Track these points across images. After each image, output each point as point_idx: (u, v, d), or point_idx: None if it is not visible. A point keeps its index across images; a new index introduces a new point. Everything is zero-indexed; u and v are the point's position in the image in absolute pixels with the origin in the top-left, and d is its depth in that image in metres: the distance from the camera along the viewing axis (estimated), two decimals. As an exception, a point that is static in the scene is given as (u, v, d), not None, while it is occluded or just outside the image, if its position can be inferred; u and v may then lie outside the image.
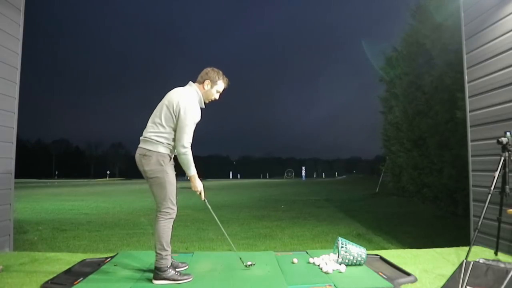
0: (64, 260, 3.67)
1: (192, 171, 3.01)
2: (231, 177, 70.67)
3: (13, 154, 4.24)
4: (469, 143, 4.60)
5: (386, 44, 12.28)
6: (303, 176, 54.42)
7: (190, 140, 2.96)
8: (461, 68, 4.83)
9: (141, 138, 3.03)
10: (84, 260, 3.62)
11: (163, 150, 2.96)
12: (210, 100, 3.20)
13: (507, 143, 3.52)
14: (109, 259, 3.61)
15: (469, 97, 4.59)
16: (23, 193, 17.30)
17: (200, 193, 3.12)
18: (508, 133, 3.56)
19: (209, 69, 3.18)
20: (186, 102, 2.93)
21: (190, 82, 3.15)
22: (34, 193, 18.49)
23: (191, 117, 2.94)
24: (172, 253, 3.31)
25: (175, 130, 2.95)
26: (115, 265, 3.38)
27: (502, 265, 2.83)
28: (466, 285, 2.60)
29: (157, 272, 2.93)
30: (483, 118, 4.31)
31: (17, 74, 4.30)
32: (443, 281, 2.82)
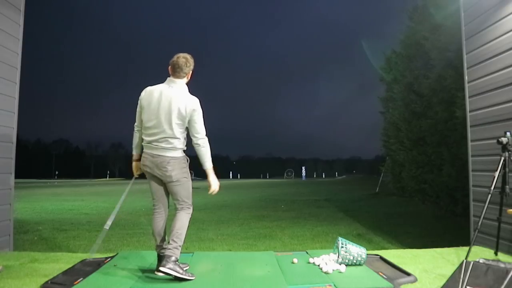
0: (64, 260, 3.67)
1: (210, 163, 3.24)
2: (231, 177, 70.56)
3: (13, 154, 4.24)
4: (469, 143, 4.60)
5: (386, 44, 12.26)
6: (303, 176, 54.28)
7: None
8: (461, 68, 4.83)
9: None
10: (84, 260, 3.63)
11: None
12: None
13: (507, 143, 3.52)
14: (109, 259, 3.62)
15: (469, 97, 4.59)
16: (23, 193, 17.28)
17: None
18: (508, 133, 3.56)
19: (188, 58, 3.18)
20: (193, 102, 3.11)
21: (174, 80, 3.14)
22: (34, 193, 18.48)
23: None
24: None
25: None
26: (115, 265, 3.38)
27: (502, 265, 2.83)
28: (466, 285, 2.60)
29: (167, 260, 2.92)
30: (483, 118, 4.31)
31: (17, 74, 4.31)
32: (443, 281, 2.82)
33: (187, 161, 3.19)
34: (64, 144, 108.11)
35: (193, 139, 3.13)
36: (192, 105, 3.07)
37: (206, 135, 3.17)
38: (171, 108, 3.02)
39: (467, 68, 4.61)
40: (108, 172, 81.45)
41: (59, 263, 3.58)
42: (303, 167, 56.78)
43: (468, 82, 4.60)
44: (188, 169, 3.19)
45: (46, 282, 2.93)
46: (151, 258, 3.31)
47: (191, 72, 3.23)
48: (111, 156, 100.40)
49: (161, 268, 2.91)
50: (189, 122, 3.09)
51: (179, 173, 3.11)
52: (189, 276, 2.98)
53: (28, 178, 47.84)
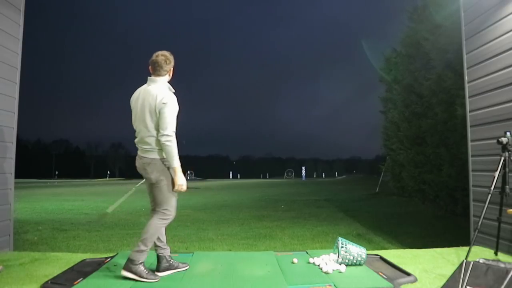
0: (64, 260, 3.67)
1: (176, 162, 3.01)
2: (231, 177, 70.57)
3: (13, 154, 4.24)
4: (469, 143, 4.60)
5: (386, 45, 12.28)
6: (303, 176, 54.24)
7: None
8: (461, 69, 4.83)
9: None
10: (84, 260, 3.63)
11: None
12: None
13: (507, 143, 3.53)
14: (109, 259, 3.62)
15: (469, 97, 4.59)
16: (23, 193, 17.27)
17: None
18: (508, 133, 3.56)
19: (168, 55, 3.13)
20: (165, 96, 2.99)
21: (154, 78, 3.09)
22: (34, 193, 18.47)
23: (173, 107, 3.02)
24: (172, 253, 3.34)
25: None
26: (115, 265, 3.37)
27: (502, 265, 2.83)
28: (466, 285, 2.60)
29: (128, 264, 2.95)
30: (483, 118, 4.31)
31: (17, 74, 4.31)
32: (443, 281, 2.83)
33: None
34: (64, 144, 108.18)
35: (158, 135, 2.95)
36: (163, 98, 2.93)
37: (173, 133, 2.97)
38: (144, 104, 3.00)
39: (467, 68, 4.61)
40: (108, 172, 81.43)
41: (59, 263, 3.58)
42: (303, 167, 56.74)
43: (468, 82, 4.60)
44: (170, 172, 3.05)
45: (46, 282, 2.93)
46: (151, 258, 3.30)
47: (172, 69, 3.18)
48: (111, 156, 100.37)
49: (122, 271, 2.94)
50: (159, 116, 2.94)
51: (158, 176, 3.02)
52: (151, 278, 2.97)
53: (28, 178, 47.81)
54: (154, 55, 3.11)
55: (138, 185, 3.81)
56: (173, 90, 3.14)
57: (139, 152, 3.11)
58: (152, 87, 3.05)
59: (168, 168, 3.05)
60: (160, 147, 3.00)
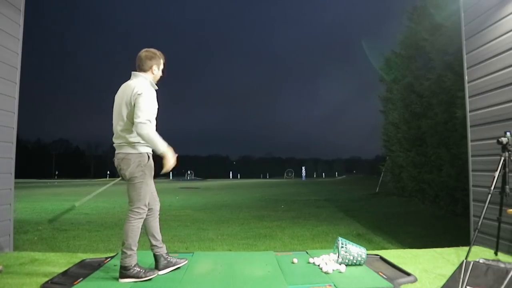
0: (64, 260, 3.68)
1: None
2: (231, 177, 70.59)
3: (13, 154, 4.24)
4: (469, 143, 4.60)
5: (386, 45, 12.30)
6: (303, 176, 54.17)
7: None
8: (461, 68, 4.83)
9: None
10: (84, 260, 3.63)
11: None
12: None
13: (507, 143, 3.53)
14: (109, 259, 3.62)
15: (469, 97, 4.59)
16: (23, 193, 17.27)
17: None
18: (508, 133, 3.56)
19: (155, 53, 3.12)
20: (142, 87, 2.95)
21: (137, 73, 3.08)
22: (34, 193, 18.46)
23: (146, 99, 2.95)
24: (172, 253, 3.35)
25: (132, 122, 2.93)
26: (115, 265, 3.37)
27: (502, 265, 2.83)
28: (466, 285, 2.60)
29: (122, 271, 2.95)
30: (483, 118, 4.31)
31: (17, 74, 4.31)
32: (443, 281, 2.83)
33: (148, 157, 3.01)
34: (64, 144, 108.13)
35: (133, 127, 2.88)
36: (139, 89, 2.88)
37: (148, 121, 2.86)
38: (122, 97, 2.97)
39: (467, 68, 4.61)
40: (108, 172, 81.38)
41: (59, 263, 3.58)
42: (303, 167, 56.65)
43: (468, 82, 4.60)
44: (145, 168, 2.98)
45: (46, 282, 2.93)
46: (150, 258, 3.31)
47: (156, 67, 3.12)
48: (111, 156, 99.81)
49: (119, 280, 2.93)
50: (133, 107, 2.88)
51: (132, 172, 2.94)
52: (149, 275, 2.99)
53: (28, 178, 47.77)
54: (141, 51, 3.10)
55: (111, 184, 3.78)
56: (156, 88, 3.10)
57: (116, 150, 3.05)
58: (133, 81, 3.02)
59: (145, 165, 2.97)
60: (135, 141, 2.93)
